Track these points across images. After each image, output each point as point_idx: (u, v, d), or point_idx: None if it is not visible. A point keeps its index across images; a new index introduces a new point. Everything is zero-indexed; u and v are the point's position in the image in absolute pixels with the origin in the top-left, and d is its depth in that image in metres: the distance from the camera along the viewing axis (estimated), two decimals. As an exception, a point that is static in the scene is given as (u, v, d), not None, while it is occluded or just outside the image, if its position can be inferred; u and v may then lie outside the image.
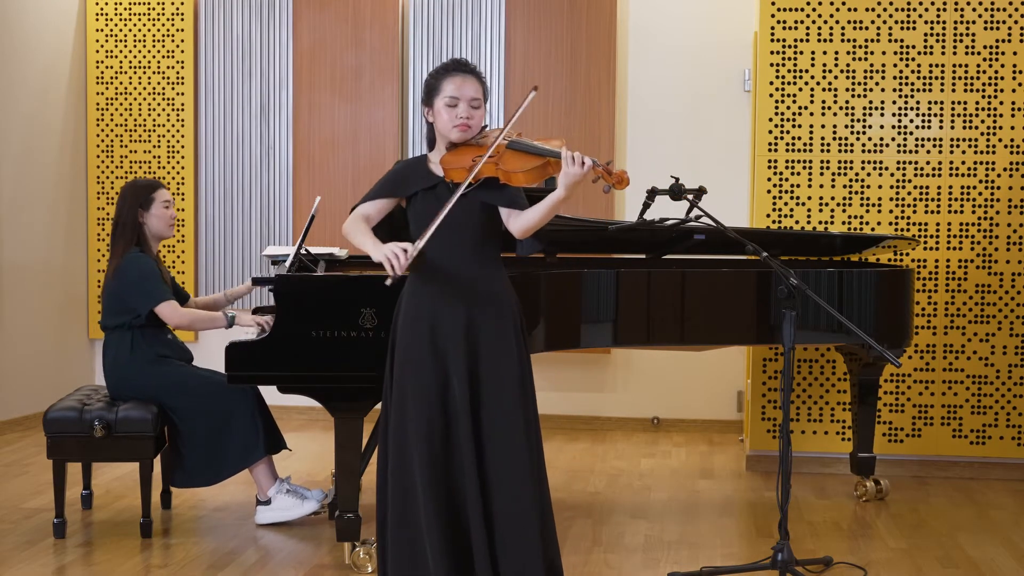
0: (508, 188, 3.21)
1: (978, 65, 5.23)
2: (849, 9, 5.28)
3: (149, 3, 6.52)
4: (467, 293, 3.21)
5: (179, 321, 4.33)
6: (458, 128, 3.21)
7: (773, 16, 5.31)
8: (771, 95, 5.33)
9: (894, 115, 5.29)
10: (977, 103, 5.24)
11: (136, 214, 4.38)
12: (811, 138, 5.32)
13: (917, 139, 5.28)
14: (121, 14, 6.54)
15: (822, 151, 5.33)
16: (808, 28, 5.30)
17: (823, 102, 5.31)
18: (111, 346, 4.36)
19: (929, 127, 5.27)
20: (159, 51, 6.53)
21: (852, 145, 5.31)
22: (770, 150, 5.34)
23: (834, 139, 5.32)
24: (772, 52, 5.32)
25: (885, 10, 5.27)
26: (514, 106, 6.18)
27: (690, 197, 3.74)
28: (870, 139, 5.31)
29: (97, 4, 6.56)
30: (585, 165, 3.02)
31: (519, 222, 3.19)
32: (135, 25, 6.54)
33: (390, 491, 3.26)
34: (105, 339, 4.40)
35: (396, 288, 3.84)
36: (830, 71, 5.31)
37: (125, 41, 6.55)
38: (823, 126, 5.32)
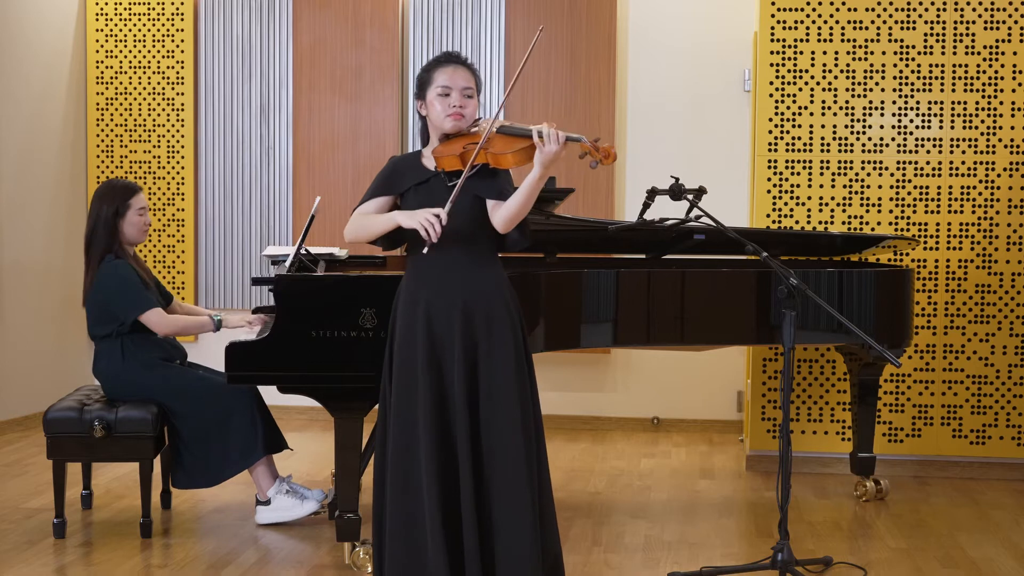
0: (498, 181, 3.20)
1: (978, 65, 5.23)
2: (849, 9, 5.28)
3: (149, 3, 6.52)
4: (461, 285, 3.20)
5: (166, 330, 4.29)
6: (451, 117, 3.20)
7: (773, 16, 5.31)
8: (771, 95, 5.33)
9: (894, 115, 5.29)
10: (977, 103, 5.24)
11: (114, 218, 4.30)
12: (811, 138, 5.32)
13: (917, 139, 5.28)
14: (121, 14, 6.54)
15: (822, 151, 5.32)
16: (808, 28, 5.30)
17: (823, 102, 5.31)
18: (102, 356, 4.33)
19: (929, 127, 5.27)
20: (159, 51, 6.53)
21: (852, 145, 5.31)
22: (770, 150, 5.34)
23: (834, 139, 5.32)
24: (772, 52, 5.32)
25: (885, 10, 5.27)
26: (512, 111, 6.18)
27: (690, 197, 3.74)
28: (870, 139, 5.30)
29: (97, 4, 6.55)
30: (559, 140, 3.01)
31: (501, 211, 3.16)
32: (135, 25, 6.54)
33: (388, 484, 3.23)
34: (96, 348, 4.36)
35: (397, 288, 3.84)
36: (830, 71, 5.30)
37: (125, 41, 6.55)
38: (823, 126, 5.32)
